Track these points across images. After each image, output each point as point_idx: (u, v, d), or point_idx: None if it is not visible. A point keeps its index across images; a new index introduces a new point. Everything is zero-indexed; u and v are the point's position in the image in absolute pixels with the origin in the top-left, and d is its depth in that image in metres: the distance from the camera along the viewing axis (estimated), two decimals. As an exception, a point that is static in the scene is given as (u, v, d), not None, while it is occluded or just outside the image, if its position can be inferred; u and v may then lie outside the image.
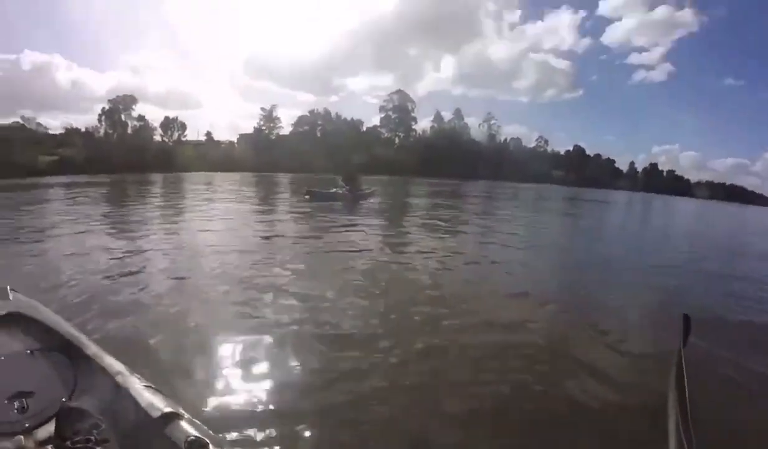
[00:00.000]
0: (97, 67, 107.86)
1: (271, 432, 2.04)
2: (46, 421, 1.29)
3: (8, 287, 1.92)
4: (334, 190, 13.91)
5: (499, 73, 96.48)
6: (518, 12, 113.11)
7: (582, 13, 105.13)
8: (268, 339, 3.02)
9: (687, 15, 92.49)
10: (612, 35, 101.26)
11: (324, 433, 2.10)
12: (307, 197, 13.75)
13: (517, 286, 4.84)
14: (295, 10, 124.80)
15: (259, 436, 2.01)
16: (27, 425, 1.28)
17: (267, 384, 2.48)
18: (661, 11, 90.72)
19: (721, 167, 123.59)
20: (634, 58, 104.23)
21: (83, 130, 61.46)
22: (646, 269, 6.48)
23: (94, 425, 1.21)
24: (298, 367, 2.70)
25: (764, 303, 5.01)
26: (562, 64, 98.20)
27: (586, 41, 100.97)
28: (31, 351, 1.56)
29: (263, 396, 2.35)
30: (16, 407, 1.31)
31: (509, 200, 21.06)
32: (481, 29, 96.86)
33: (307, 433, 2.07)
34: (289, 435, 2.04)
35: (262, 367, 2.69)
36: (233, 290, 4.10)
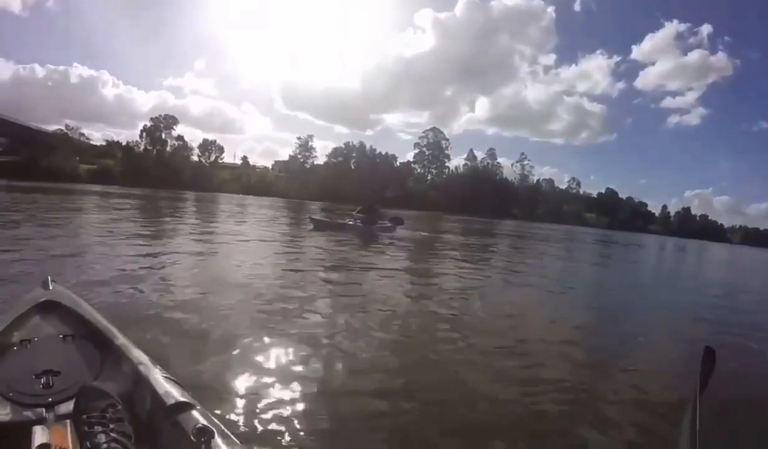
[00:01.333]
0: (142, 86, 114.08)
1: (280, 428, 2.07)
2: (68, 399, 1.36)
3: (49, 278, 2.09)
4: (343, 221, 13.50)
5: (532, 115, 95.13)
6: (553, 56, 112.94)
7: (616, 58, 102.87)
8: (287, 342, 3.14)
9: (721, 59, 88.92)
10: (646, 79, 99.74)
11: (336, 436, 2.10)
12: (311, 227, 13.28)
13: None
14: (335, 45, 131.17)
15: (269, 430, 2.06)
16: (50, 399, 1.37)
17: (283, 384, 2.50)
18: (695, 55, 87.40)
19: (755, 212, 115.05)
20: (668, 102, 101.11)
21: (124, 143, 64.73)
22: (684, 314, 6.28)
23: (110, 405, 1.29)
24: (317, 371, 2.73)
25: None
26: (596, 107, 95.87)
27: (620, 85, 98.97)
28: (63, 336, 1.69)
29: (277, 396, 2.36)
30: (42, 383, 1.42)
31: (544, 242, 20.38)
32: (516, 72, 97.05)
33: (315, 435, 2.07)
34: (298, 433, 2.07)
35: (279, 367, 2.75)
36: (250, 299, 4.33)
